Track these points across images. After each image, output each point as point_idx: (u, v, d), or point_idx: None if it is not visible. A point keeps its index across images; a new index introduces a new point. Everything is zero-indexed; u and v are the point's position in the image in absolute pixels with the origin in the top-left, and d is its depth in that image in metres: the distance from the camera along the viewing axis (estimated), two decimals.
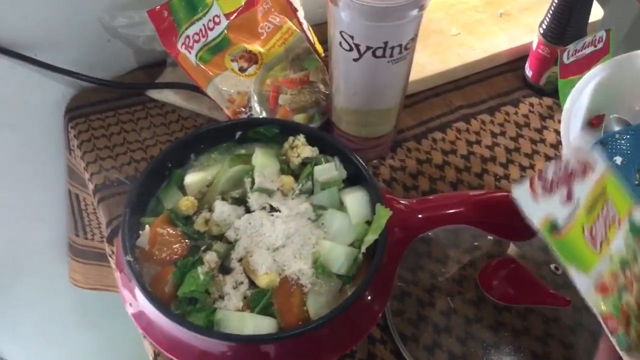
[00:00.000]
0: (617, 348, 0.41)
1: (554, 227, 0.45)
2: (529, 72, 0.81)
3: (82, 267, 0.96)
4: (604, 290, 0.42)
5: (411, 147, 0.76)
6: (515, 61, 0.84)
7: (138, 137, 0.75)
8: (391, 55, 0.59)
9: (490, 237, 0.65)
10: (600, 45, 0.74)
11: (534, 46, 0.78)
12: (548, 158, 0.75)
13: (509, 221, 0.57)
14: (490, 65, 0.84)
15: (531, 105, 0.80)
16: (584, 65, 0.73)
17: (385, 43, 0.58)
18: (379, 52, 0.59)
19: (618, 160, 0.56)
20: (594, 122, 0.68)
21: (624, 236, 0.43)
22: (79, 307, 1.12)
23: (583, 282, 0.43)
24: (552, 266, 0.64)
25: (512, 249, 0.66)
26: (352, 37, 0.58)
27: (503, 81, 0.83)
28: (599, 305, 0.42)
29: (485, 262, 0.62)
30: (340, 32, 0.59)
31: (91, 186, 0.72)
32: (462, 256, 0.65)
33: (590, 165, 0.46)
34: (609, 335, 0.42)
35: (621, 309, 0.41)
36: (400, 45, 0.59)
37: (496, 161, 0.75)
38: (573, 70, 0.74)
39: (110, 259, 0.70)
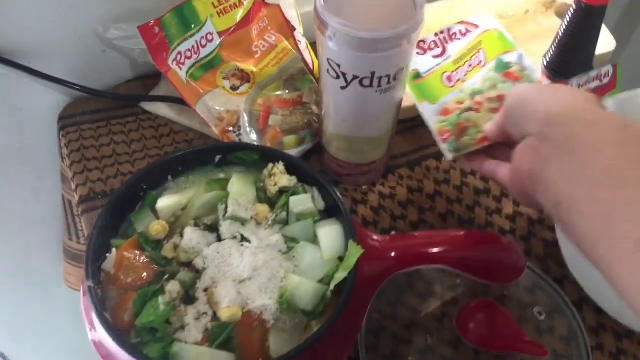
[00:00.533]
0: (445, 152, 0.56)
1: (416, 76, 0.62)
2: None
3: (76, 270, 0.96)
4: (445, 113, 0.57)
5: (403, 174, 0.74)
6: None
7: (127, 150, 0.74)
8: (379, 85, 0.58)
9: None
10: (606, 80, 0.71)
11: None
12: None
13: (490, 264, 0.56)
14: None
15: None
16: None
17: (372, 73, 0.56)
18: (366, 82, 0.57)
19: None
20: None
21: (483, 74, 0.58)
22: (73, 307, 1.12)
23: (429, 110, 0.59)
24: (536, 310, 0.62)
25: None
26: (338, 66, 0.57)
27: None
28: (437, 123, 0.57)
29: (465, 303, 0.60)
30: (328, 60, 0.57)
31: (76, 197, 0.71)
32: (445, 292, 0.63)
33: (475, 26, 0.62)
34: (440, 143, 0.57)
35: (457, 125, 0.55)
36: (388, 76, 0.57)
37: (490, 194, 0.72)
38: None
39: None
